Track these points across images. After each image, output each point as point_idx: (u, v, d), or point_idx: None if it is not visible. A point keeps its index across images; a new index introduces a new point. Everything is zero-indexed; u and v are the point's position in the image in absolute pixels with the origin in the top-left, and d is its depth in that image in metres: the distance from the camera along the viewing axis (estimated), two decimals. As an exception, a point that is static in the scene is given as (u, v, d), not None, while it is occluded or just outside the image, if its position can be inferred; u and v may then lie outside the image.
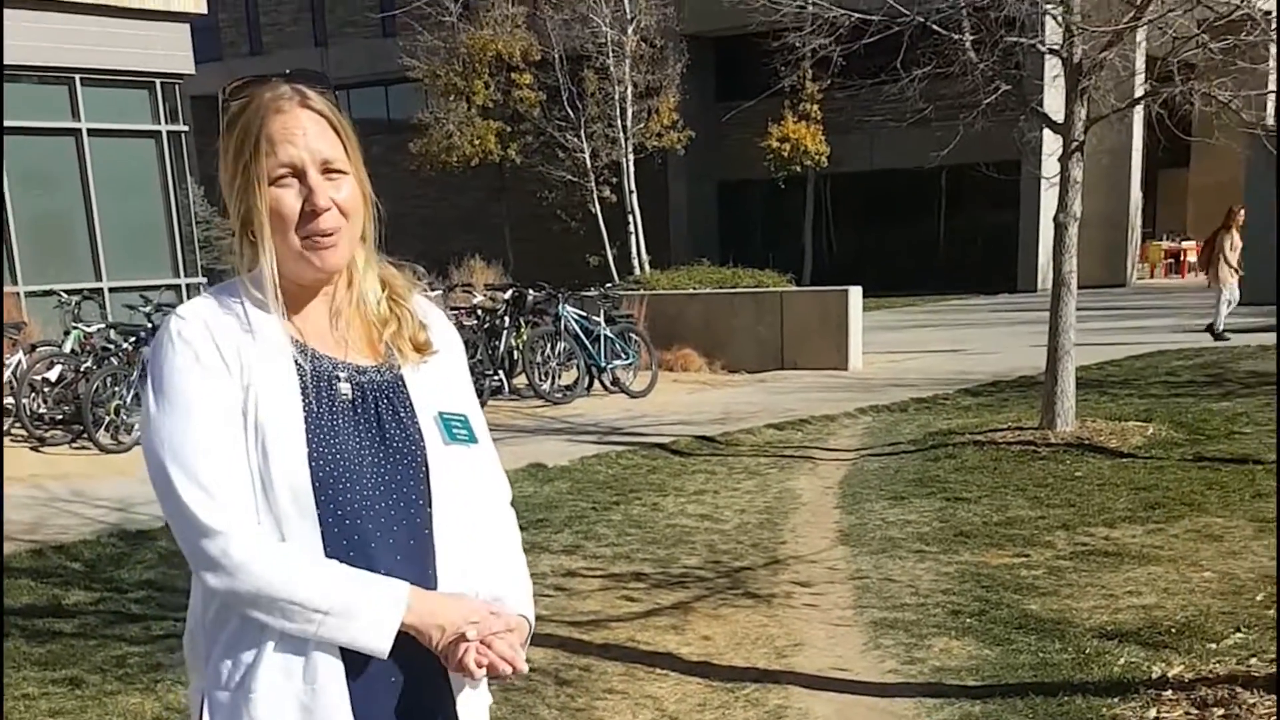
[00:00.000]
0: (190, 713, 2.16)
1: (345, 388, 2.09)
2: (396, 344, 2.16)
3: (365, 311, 2.17)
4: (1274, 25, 9.68)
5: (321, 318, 2.13)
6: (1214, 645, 5.42)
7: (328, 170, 2.04)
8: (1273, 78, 12.06)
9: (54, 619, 6.57)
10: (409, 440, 2.11)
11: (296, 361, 2.05)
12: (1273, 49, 10.55)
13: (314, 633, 1.97)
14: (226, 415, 1.98)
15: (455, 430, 2.17)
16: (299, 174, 2.01)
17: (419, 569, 2.08)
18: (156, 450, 1.98)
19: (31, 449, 11.84)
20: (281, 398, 2.01)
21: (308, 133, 2.02)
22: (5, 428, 12.12)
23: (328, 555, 1.99)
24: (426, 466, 2.11)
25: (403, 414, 2.12)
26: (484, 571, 2.19)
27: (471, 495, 2.19)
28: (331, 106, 2.07)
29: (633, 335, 15.53)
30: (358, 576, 1.98)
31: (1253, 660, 5.14)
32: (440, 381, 2.21)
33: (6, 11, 13.96)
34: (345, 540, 2.01)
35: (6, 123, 15.86)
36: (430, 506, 2.11)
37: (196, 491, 1.94)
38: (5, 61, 15.22)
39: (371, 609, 1.97)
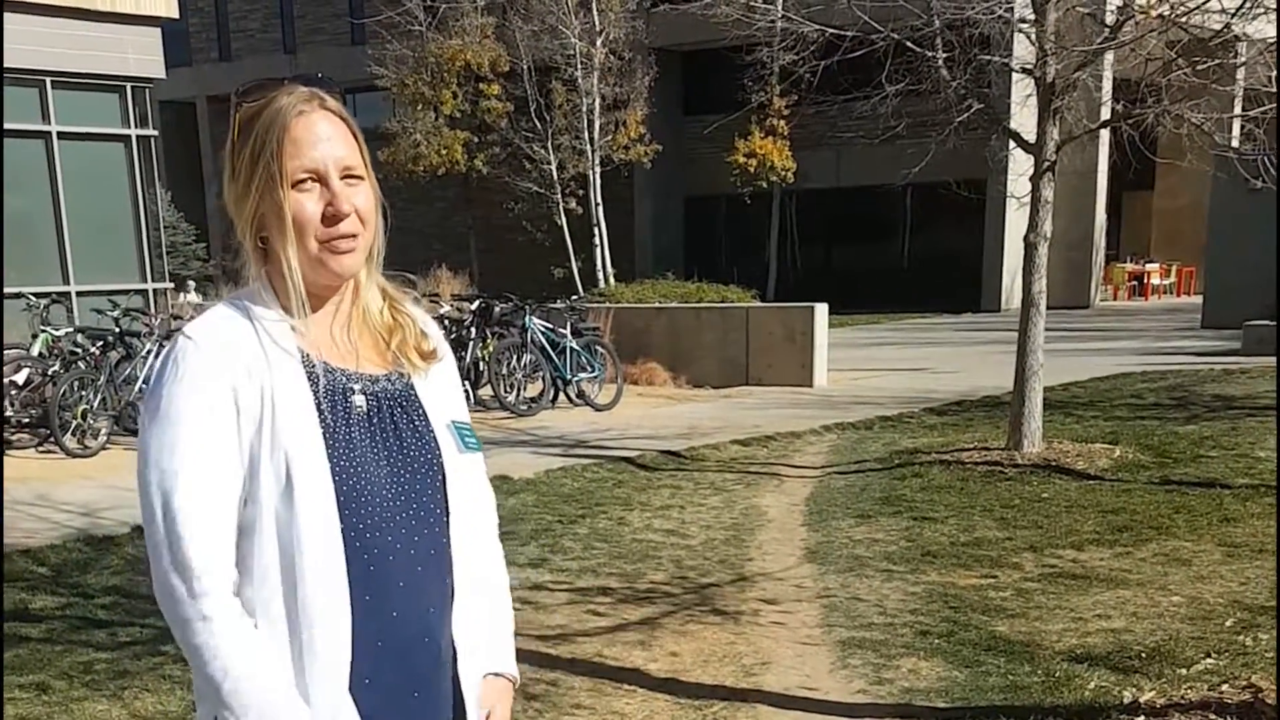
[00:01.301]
0: None
1: (360, 400, 2.07)
2: (404, 353, 2.16)
3: (370, 321, 2.15)
4: (1275, 48, 9.74)
5: (329, 328, 2.11)
6: (1184, 670, 5.44)
7: (347, 175, 2.03)
8: (1238, 101, 12.16)
9: (20, 623, 6.50)
10: (426, 449, 2.11)
11: (309, 376, 2.03)
12: (1240, 73, 10.64)
13: (221, 710, 1.95)
14: (225, 451, 1.95)
15: (467, 438, 2.18)
16: (321, 178, 2.00)
17: (438, 579, 2.09)
18: (148, 481, 1.96)
19: (-5, 453, 11.74)
20: (299, 416, 1.99)
21: (329, 137, 2.02)
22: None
23: (350, 571, 1.98)
24: (444, 475, 2.11)
25: (418, 423, 2.12)
26: (478, 623, 2.22)
27: (480, 503, 2.23)
28: (345, 110, 2.07)
29: (598, 348, 15.51)
30: (285, 697, 1.95)
31: (1224, 686, 5.16)
32: (446, 389, 2.22)
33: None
34: (366, 554, 2.00)
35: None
36: (448, 516, 2.11)
37: (178, 530, 1.92)
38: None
39: None
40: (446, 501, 2.12)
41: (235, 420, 1.96)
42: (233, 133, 2.04)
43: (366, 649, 2.00)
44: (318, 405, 2.02)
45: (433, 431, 2.13)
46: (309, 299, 2.05)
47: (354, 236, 2.03)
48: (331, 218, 2.00)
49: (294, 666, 1.97)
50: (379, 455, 2.05)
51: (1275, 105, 9.72)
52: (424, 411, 2.14)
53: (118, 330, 12.68)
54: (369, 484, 2.02)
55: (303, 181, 1.99)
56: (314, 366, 2.05)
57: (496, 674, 2.24)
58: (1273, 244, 16.72)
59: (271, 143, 1.97)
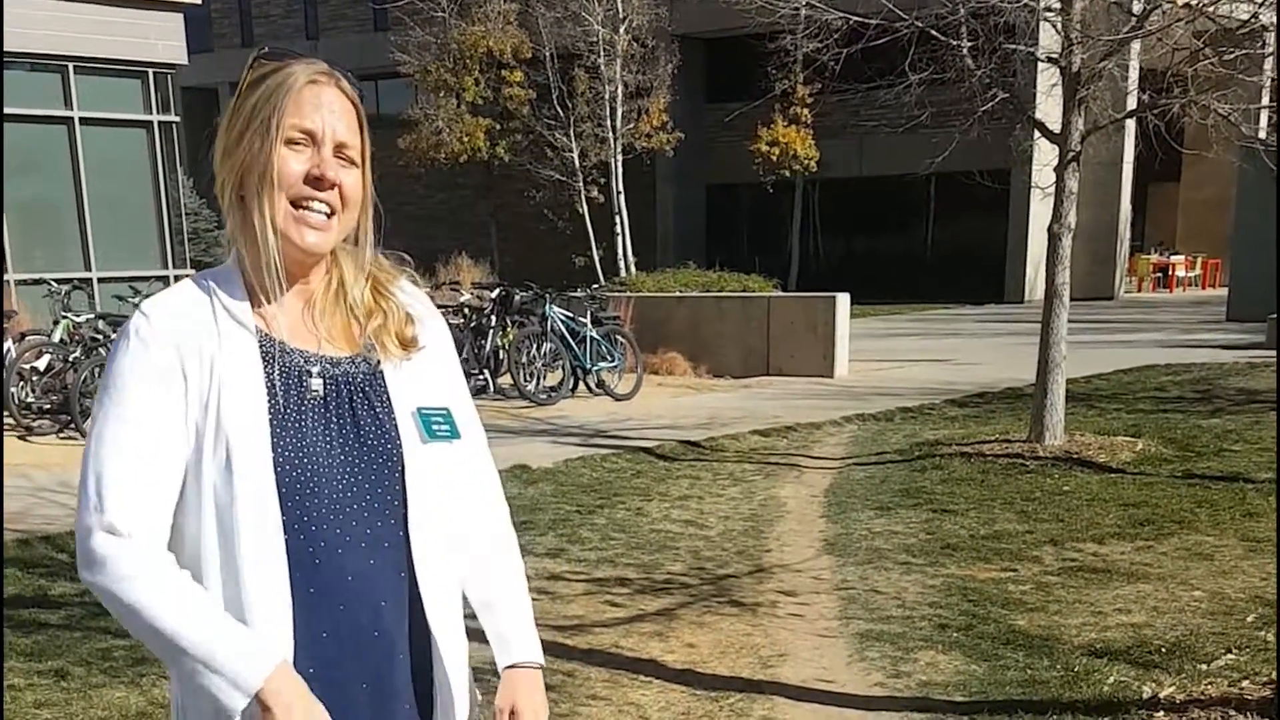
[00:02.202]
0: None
1: (317, 383, 2.01)
2: (380, 338, 2.08)
3: (346, 301, 2.09)
4: (1273, 37, 9.66)
5: (296, 308, 2.05)
6: (1205, 666, 5.39)
7: (340, 152, 1.99)
8: (1266, 92, 12.05)
9: (40, 610, 6.51)
10: (384, 438, 2.03)
11: (265, 356, 1.99)
12: (1268, 63, 10.55)
13: (175, 665, 1.90)
14: (167, 425, 1.92)
15: (435, 426, 2.08)
16: (315, 142, 1.97)
17: (393, 572, 2.01)
18: (88, 443, 1.93)
19: (19, 438, 11.77)
20: (247, 397, 1.94)
21: (334, 111, 1.99)
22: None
23: (291, 562, 1.92)
24: (402, 465, 2.03)
25: (379, 409, 2.04)
26: (488, 605, 2.16)
27: (456, 494, 2.11)
28: (358, 99, 2.05)
29: (619, 337, 15.48)
30: (232, 629, 1.88)
31: (1245, 683, 5.11)
32: (424, 375, 2.13)
33: (-2, -4, 13.88)
34: (312, 546, 1.94)
35: (-2, 109, 15.81)
36: (405, 507, 2.02)
37: (102, 491, 1.88)
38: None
39: (229, 666, 1.85)
40: (404, 492, 2.03)
41: (182, 394, 1.92)
42: (241, 85, 2.01)
43: (311, 641, 1.95)
44: (270, 386, 1.97)
45: (394, 419, 2.05)
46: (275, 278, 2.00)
47: (329, 214, 1.99)
48: (314, 180, 1.97)
49: None
50: (332, 442, 1.99)
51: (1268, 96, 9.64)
52: (388, 398, 2.06)
53: (139, 317, 12.67)
54: (318, 472, 1.96)
55: (296, 142, 1.96)
56: (271, 346, 2.00)
57: (515, 665, 2.17)
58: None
59: (276, 99, 1.95)
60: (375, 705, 2.03)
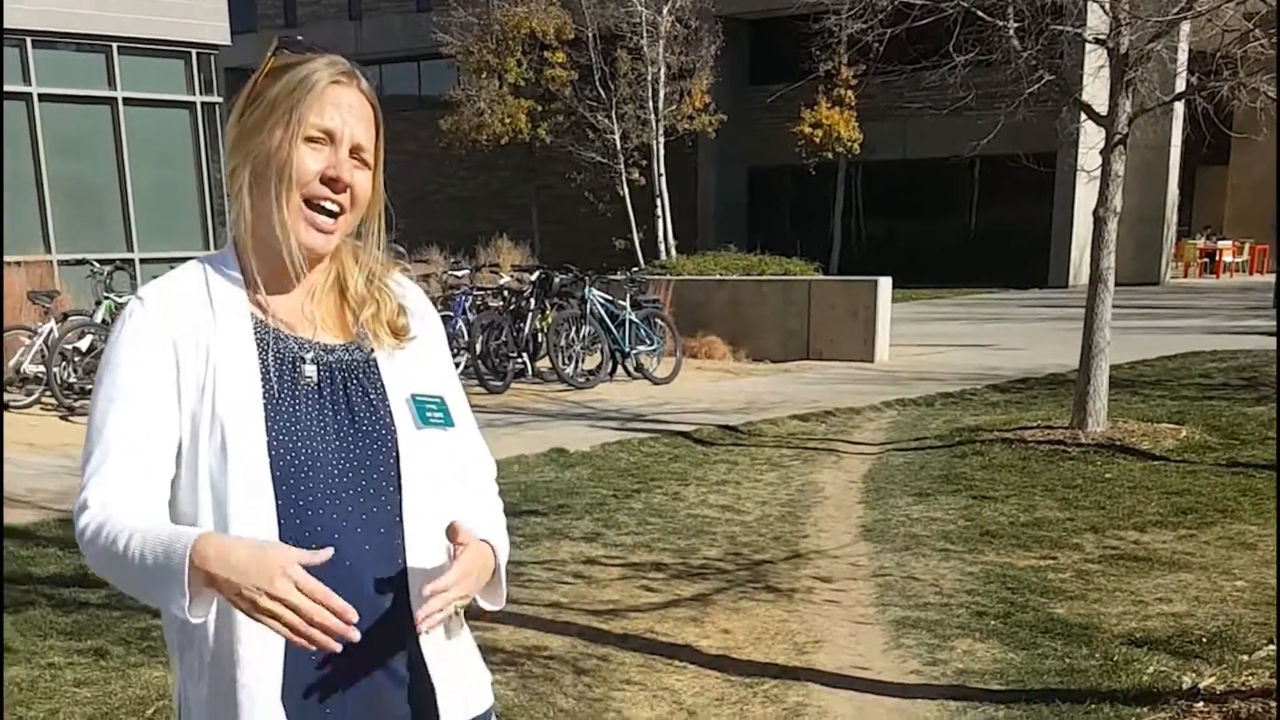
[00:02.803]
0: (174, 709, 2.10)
1: (310, 370, 2.03)
2: (373, 327, 2.11)
3: (342, 289, 2.12)
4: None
5: (295, 296, 2.07)
6: (1246, 657, 5.32)
7: (356, 154, 2.02)
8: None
9: (80, 589, 6.54)
10: (379, 424, 2.04)
11: (259, 342, 2.01)
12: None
13: (140, 596, 1.92)
14: (158, 407, 1.93)
15: (429, 414, 2.10)
16: (333, 143, 2.00)
17: (389, 557, 2.01)
18: (88, 433, 1.96)
19: (61, 418, 11.87)
20: (242, 383, 1.96)
21: (354, 112, 2.02)
22: (37, 395, 12.17)
23: (291, 543, 1.88)
24: (397, 452, 2.04)
25: (373, 396, 2.06)
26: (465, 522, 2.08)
27: (448, 480, 2.11)
28: (376, 101, 2.08)
29: (658, 321, 15.46)
30: (161, 535, 1.82)
31: (1286, 674, 5.05)
32: (417, 362, 2.15)
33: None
34: (308, 532, 1.94)
35: (44, 89, 15.93)
36: (400, 493, 2.03)
37: (90, 470, 1.91)
38: (45, 28, 15.28)
39: (163, 572, 1.79)
40: (399, 478, 2.04)
41: (175, 378, 1.95)
42: (260, 72, 2.03)
43: None
44: (265, 373, 1.99)
45: (388, 405, 2.06)
46: (276, 268, 2.03)
47: (335, 216, 2.02)
48: (329, 181, 1.99)
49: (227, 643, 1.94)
50: (327, 429, 2.01)
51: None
52: (382, 385, 2.08)
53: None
54: (311, 459, 1.97)
55: (315, 139, 1.99)
56: (266, 332, 2.02)
57: (483, 539, 2.08)
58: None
59: (299, 94, 1.97)
60: (372, 693, 2.02)
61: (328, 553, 1.82)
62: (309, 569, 1.78)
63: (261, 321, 2.03)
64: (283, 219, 1.98)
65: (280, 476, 1.93)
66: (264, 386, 1.97)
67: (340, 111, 2.00)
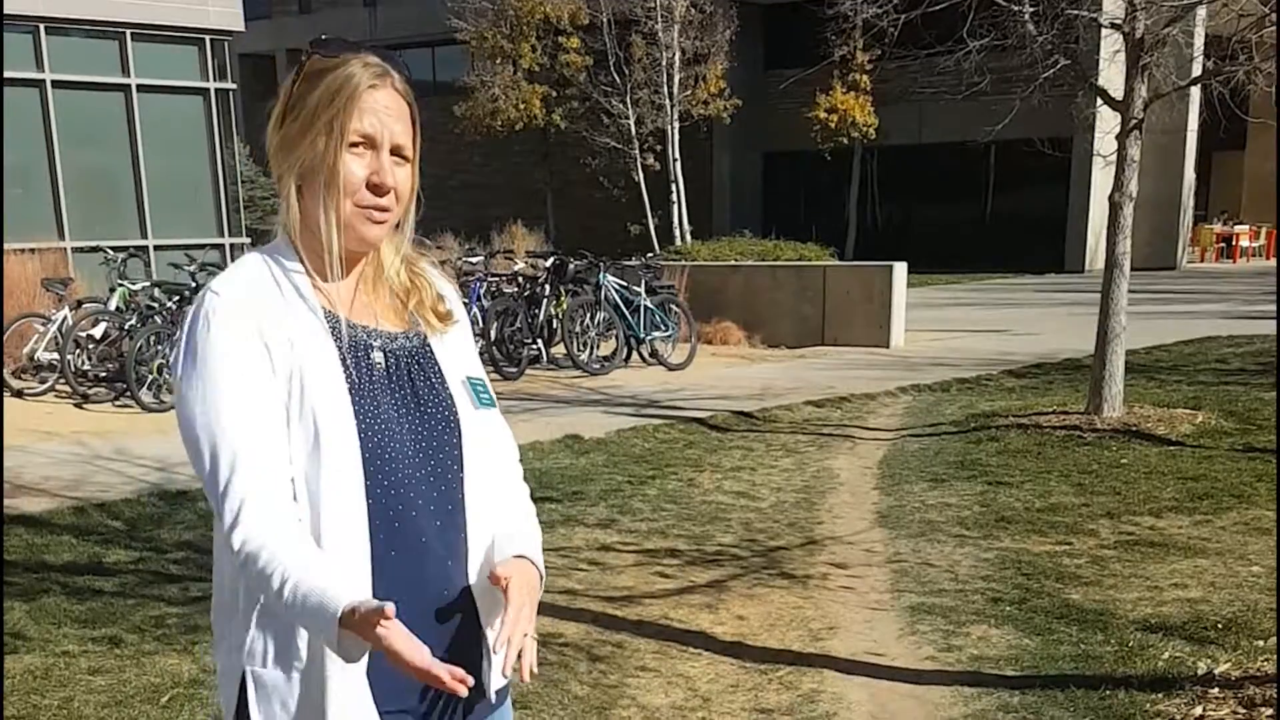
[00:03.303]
0: (221, 697, 2.13)
1: (379, 356, 2.11)
2: (420, 313, 2.20)
3: (387, 281, 2.20)
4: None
5: (348, 286, 2.14)
6: (1261, 643, 5.30)
7: (396, 153, 2.08)
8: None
9: (94, 577, 6.57)
10: (442, 406, 2.14)
11: (333, 332, 2.07)
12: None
13: (283, 612, 1.92)
14: (263, 391, 1.97)
15: (481, 394, 2.22)
16: (374, 148, 2.05)
17: (454, 533, 2.11)
18: (196, 435, 1.97)
19: (75, 405, 11.91)
20: (326, 371, 2.03)
21: (392, 113, 2.07)
22: (51, 383, 12.20)
23: (373, 526, 2.00)
24: (460, 431, 2.14)
25: (434, 379, 2.16)
26: (501, 525, 2.21)
27: (495, 458, 2.23)
28: (411, 96, 2.12)
29: (673, 307, 15.44)
30: (311, 593, 1.86)
31: (1303, 660, 5.03)
32: (460, 348, 2.25)
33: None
34: (390, 511, 2.03)
35: (58, 76, 15.95)
36: (463, 471, 2.14)
37: (225, 472, 1.93)
38: (58, 14, 15.29)
39: (313, 627, 1.89)
40: (462, 457, 2.14)
41: (270, 369, 1.99)
42: (295, 77, 2.09)
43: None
44: (343, 361, 2.05)
45: (448, 388, 2.17)
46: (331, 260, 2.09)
47: (386, 211, 2.08)
48: (374, 187, 2.05)
49: None
50: (398, 412, 2.08)
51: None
52: (440, 369, 2.18)
53: (194, 285, 12.77)
54: (392, 441, 2.05)
55: (357, 145, 2.03)
56: (337, 322, 2.08)
57: (522, 555, 2.17)
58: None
59: (340, 101, 2.02)
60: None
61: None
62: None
63: (330, 312, 2.09)
64: (333, 220, 2.05)
65: (368, 458, 2.01)
66: (345, 373, 2.04)
67: (379, 115, 2.05)
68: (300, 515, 1.96)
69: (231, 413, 1.95)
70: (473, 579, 2.14)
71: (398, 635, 1.81)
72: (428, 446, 2.09)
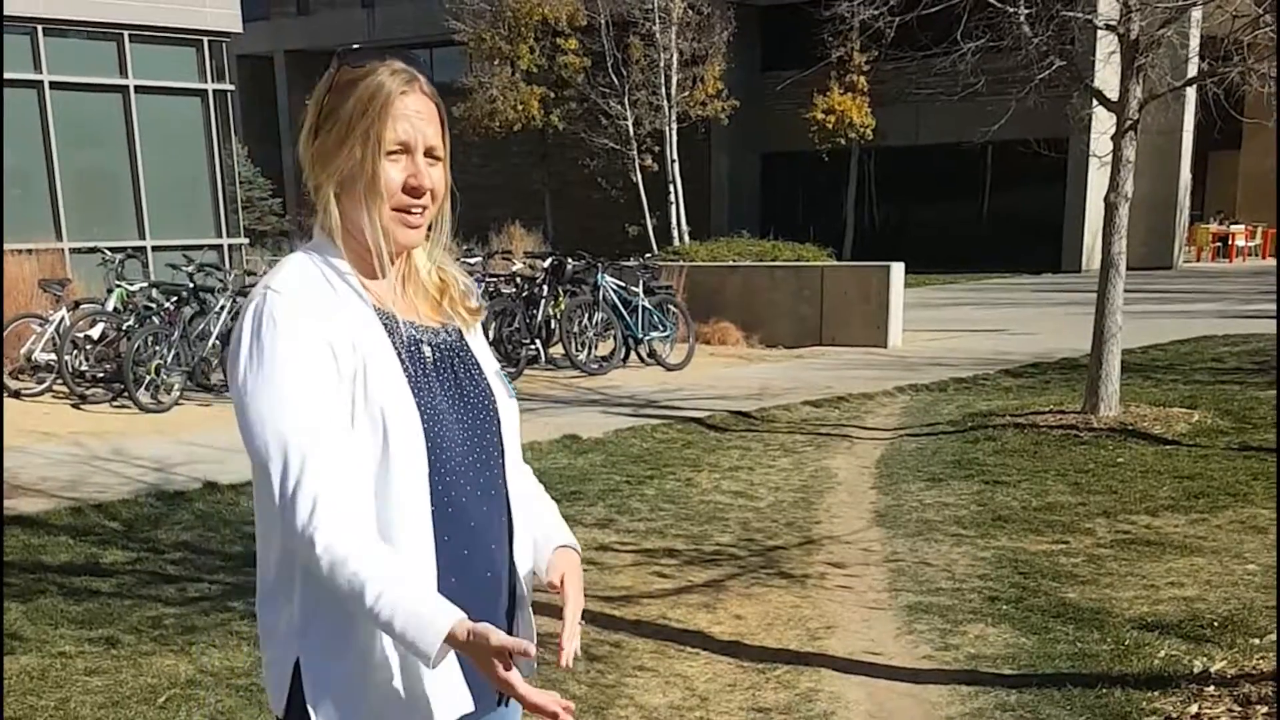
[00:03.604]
0: (269, 687, 2.18)
1: (428, 350, 2.20)
2: (453, 309, 2.30)
3: (421, 279, 2.28)
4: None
5: (389, 284, 2.21)
6: (1257, 640, 5.32)
7: (429, 154, 2.16)
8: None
9: (91, 577, 6.58)
10: (483, 396, 2.25)
11: (388, 329, 2.14)
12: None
13: (379, 627, 1.99)
14: (331, 393, 2.03)
15: (511, 386, 2.35)
16: (409, 152, 2.13)
17: (498, 517, 2.23)
18: (264, 438, 2.00)
19: (73, 406, 11.91)
20: (388, 366, 2.10)
21: (422, 117, 2.15)
22: (48, 384, 12.20)
23: (434, 514, 2.09)
24: (499, 419, 2.26)
25: (475, 371, 2.27)
26: (537, 519, 2.36)
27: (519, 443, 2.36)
28: (438, 97, 2.21)
29: (671, 307, 15.45)
30: (417, 611, 1.95)
31: (1298, 658, 5.04)
32: (483, 340, 2.38)
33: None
34: (446, 498, 2.12)
35: (56, 78, 15.96)
36: (504, 457, 2.25)
37: (298, 477, 1.97)
38: (56, 16, 15.29)
39: (412, 644, 1.95)
40: (502, 444, 2.25)
41: (335, 367, 2.04)
42: (325, 89, 2.15)
43: (446, 589, 2.05)
44: (399, 357, 2.13)
45: (486, 379, 2.28)
46: (372, 260, 2.16)
47: (422, 212, 2.17)
48: (412, 189, 2.13)
49: None
50: (449, 404, 2.18)
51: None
52: (476, 361, 2.29)
53: (192, 285, 12.78)
54: (447, 431, 2.14)
55: (394, 152, 2.11)
56: (388, 319, 2.16)
57: (563, 546, 2.34)
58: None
59: (374, 111, 2.09)
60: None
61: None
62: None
63: (381, 310, 2.16)
64: (377, 224, 2.12)
65: (431, 447, 2.09)
66: (404, 369, 2.12)
67: (411, 121, 2.12)
68: (369, 508, 2.03)
69: (302, 414, 1.99)
70: (518, 560, 2.26)
71: (518, 680, 1.94)
72: (473, 435, 2.19)
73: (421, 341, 2.19)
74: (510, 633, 2.22)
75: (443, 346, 2.23)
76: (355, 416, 2.04)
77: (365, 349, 2.07)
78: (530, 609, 2.30)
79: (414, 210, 2.14)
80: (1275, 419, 9.90)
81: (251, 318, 2.07)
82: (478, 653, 1.93)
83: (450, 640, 1.92)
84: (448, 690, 2.11)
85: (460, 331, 2.30)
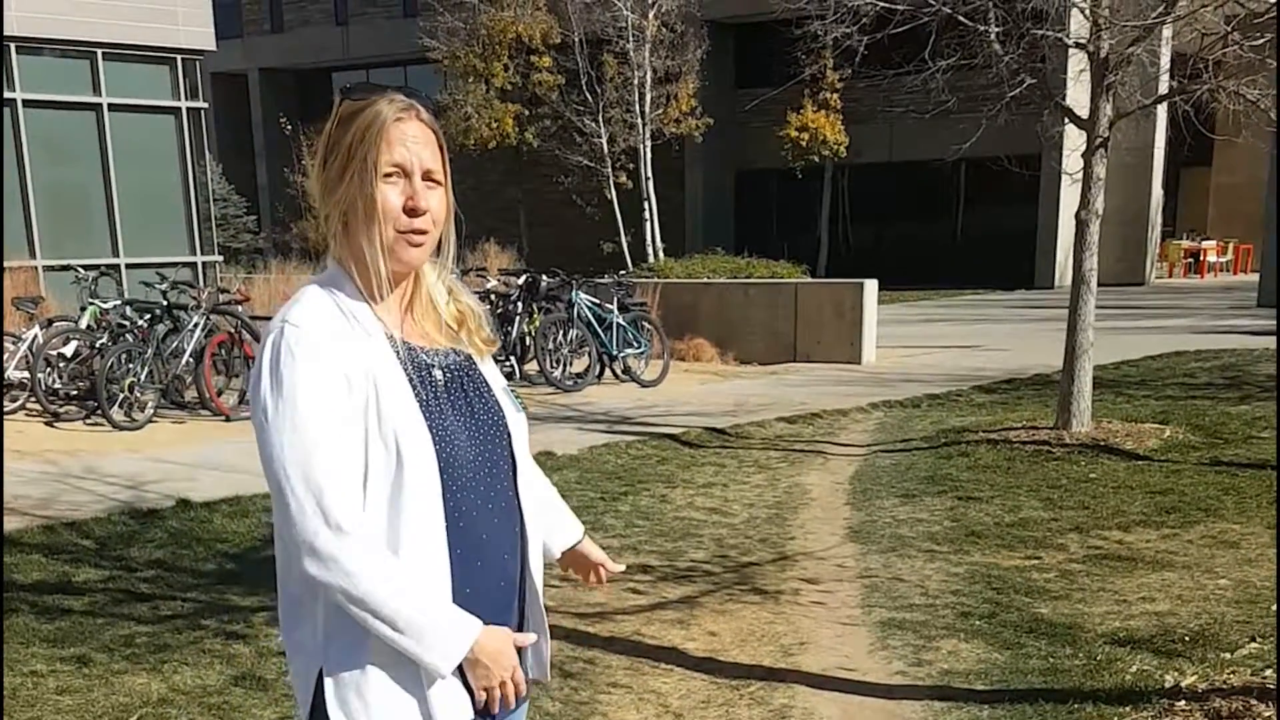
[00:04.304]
0: (297, 695, 2.33)
1: (439, 374, 2.33)
2: (471, 340, 2.44)
3: (438, 309, 2.41)
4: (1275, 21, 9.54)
5: (397, 310, 2.34)
6: (1228, 655, 5.35)
7: (428, 177, 2.27)
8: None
9: (63, 596, 6.55)
10: (492, 413, 2.38)
11: (397, 354, 2.27)
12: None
13: (387, 638, 2.16)
14: (344, 421, 2.15)
15: (517, 400, 2.48)
16: (406, 175, 2.24)
17: (510, 526, 2.37)
18: (284, 463, 2.13)
19: (45, 424, 11.84)
20: (399, 391, 2.22)
21: (419, 142, 2.26)
22: (21, 401, 12.13)
23: (447, 527, 2.23)
24: (509, 435, 2.39)
25: (484, 391, 2.40)
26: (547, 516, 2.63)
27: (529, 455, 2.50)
28: (437, 125, 2.31)
29: (645, 324, 15.47)
30: (435, 607, 2.19)
31: (1268, 671, 5.06)
32: (491, 360, 2.50)
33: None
34: (458, 513, 2.25)
35: (29, 95, 15.90)
36: (515, 470, 2.39)
37: (320, 497, 2.11)
38: (29, 34, 15.25)
39: (440, 643, 2.18)
40: (513, 458, 2.39)
41: (348, 393, 2.17)
42: (331, 123, 2.27)
43: (461, 600, 2.24)
44: (410, 382, 2.25)
45: (495, 398, 2.41)
46: (378, 284, 2.28)
47: (425, 233, 2.27)
48: (410, 211, 2.24)
49: None
50: (459, 424, 2.30)
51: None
52: (485, 381, 2.42)
53: (165, 303, 12.74)
54: (458, 450, 2.26)
55: (390, 175, 2.23)
56: (399, 346, 2.28)
57: (582, 537, 2.80)
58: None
59: (370, 139, 2.21)
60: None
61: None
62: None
63: (391, 336, 2.29)
64: (377, 245, 2.24)
65: (441, 467, 2.22)
66: (414, 391, 2.25)
67: (406, 145, 2.24)
68: (381, 528, 2.17)
69: (317, 441, 2.12)
70: (531, 567, 2.43)
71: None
72: (484, 451, 2.32)
73: (433, 365, 2.32)
74: (521, 628, 2.44)
75: (453, 368, 2.36)
76: (370, 440, 2.17)
77: (378, 375, 2.19)
78: (543, 608, 2.47)
79: (416, 231, 2.25)
80: (1276, 428, 9.93)
81: (270, 350, 2.18)
82: (488, 664, 2.24)
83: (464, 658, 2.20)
84: (452, 698, 2.25)
85: (467, 353, 2.41)
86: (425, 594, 2.17)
